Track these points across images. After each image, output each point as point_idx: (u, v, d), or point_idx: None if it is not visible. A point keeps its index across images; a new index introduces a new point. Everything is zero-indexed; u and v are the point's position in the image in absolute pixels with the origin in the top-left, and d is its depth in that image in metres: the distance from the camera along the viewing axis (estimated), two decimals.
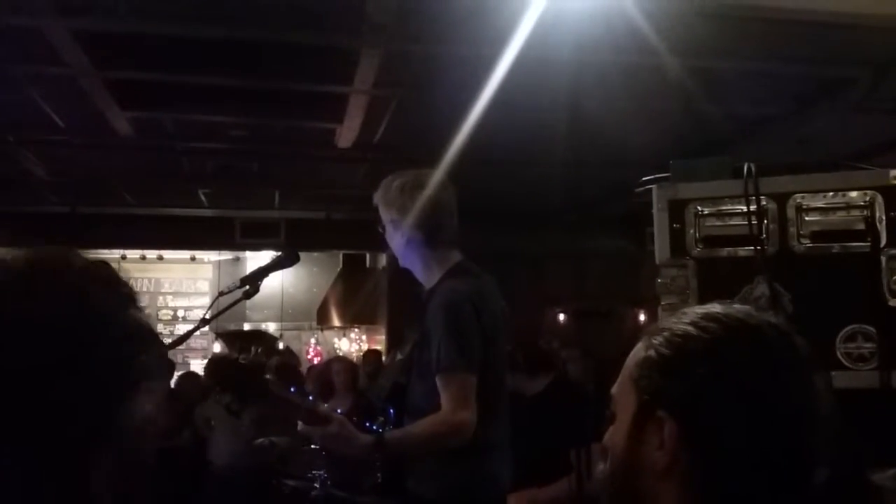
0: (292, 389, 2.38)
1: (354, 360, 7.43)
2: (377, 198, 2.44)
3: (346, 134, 5.31)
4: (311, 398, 2.31)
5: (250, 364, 2.17)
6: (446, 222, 2.40)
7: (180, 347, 9.09)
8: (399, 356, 2.61)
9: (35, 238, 7.64)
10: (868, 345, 1.67)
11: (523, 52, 3.66)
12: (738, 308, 0.95)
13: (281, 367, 6.05)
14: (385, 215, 2.42)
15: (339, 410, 2.43)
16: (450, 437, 2.18)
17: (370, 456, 2.24)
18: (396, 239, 2.42)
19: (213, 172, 6.37)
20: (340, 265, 9.42)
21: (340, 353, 8.91)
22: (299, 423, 2.22)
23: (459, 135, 4.48)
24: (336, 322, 9.43)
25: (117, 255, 9.08)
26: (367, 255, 9.41)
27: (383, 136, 5.39)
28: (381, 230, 2.45)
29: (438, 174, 2.46)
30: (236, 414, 5.47)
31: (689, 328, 0.93)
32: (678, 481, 0.90)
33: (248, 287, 2.25)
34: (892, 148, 4.83)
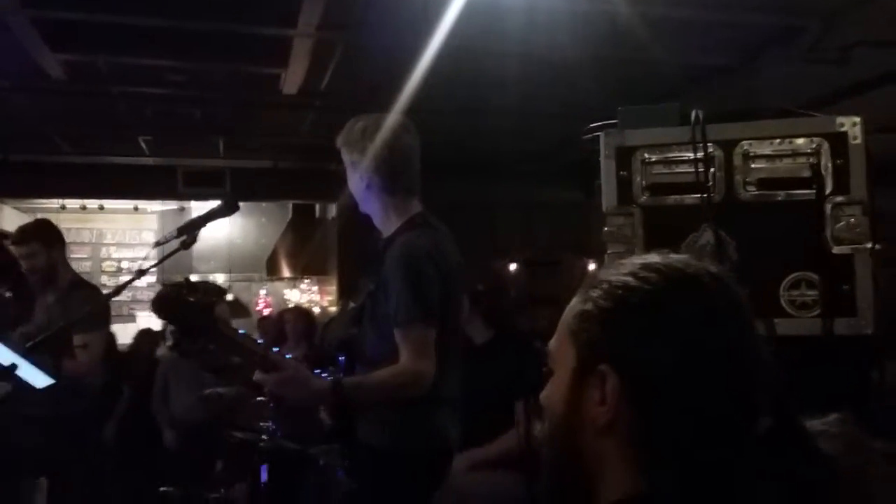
0: (241, 332, 2.31)
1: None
2: (340, 139, 2.40)
3: (292, 79, 5.15)
4: (260, 342, 2.25)
5: (198, 302, 2.09)
6: (407, 168, 2.35)
7: (125, 299, 8.91)
8: (352, 304, 2.58)
9: None
10: (811, 292, 1.68)
11: None
12: (676, 257, 0.92)
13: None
14: (346, 157, 2.38)
15: (288, 356, 2.38)
16: (409, 386, 2.16)
17: (325, 401, 2.20)
18: (356, 182, 2.38)
19: (152, 119, 6.15)
20: (290, 215, 9.26)
21: (290, 305, 8.82)
22: (256, 371, 2.16)
23: (409, 83, 4.38)
24: (286, 273, 9.30)
25: (56, 206, 8.80)
26: (317, 206, 9.27)
27: (330, 83, 5.25)
28: (342, 172, 2.41)
29: (403, 119, 2.40)
30: (186, 354, 5.36)
31: (629, 279, 0.90)
32: (621, 437, 0.88)
33: (185, 237, 2.19)
34: (838, 98, 4.88)
